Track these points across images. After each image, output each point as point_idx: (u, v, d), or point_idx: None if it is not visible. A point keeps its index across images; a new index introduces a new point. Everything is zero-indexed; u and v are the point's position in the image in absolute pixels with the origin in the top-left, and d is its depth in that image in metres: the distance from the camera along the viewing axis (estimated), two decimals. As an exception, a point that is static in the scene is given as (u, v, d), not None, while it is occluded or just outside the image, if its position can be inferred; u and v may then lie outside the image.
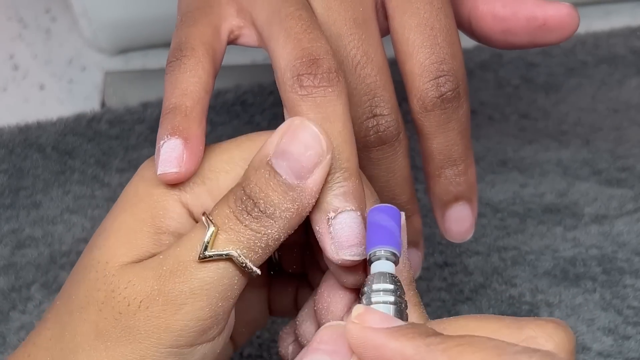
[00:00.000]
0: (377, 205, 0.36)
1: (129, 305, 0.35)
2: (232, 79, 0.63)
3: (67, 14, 0.70)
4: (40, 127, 0.60)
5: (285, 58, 0.37)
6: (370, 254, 0.35)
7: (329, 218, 0.36)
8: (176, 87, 0.38)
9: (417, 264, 0.44)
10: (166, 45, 0.68)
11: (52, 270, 0.54)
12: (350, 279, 0.37)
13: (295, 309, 0.43)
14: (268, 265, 0.42)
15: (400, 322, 0.32)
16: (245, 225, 0.35)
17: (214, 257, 0.35)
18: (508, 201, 0.56)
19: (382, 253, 0.35)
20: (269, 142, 0.36)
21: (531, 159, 0.59)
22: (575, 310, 0.51)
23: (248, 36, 0.41)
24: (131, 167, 0.59)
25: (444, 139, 0.41)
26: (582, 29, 0.67)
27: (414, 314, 0.36)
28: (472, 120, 0.61)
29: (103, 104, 0.65)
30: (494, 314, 0.50)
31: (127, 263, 0.36)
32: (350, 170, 0.36)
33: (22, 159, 0.59)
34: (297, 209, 0.35)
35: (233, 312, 0.37)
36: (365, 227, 0.36)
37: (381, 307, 0.34)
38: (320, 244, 0.36)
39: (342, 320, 0.37)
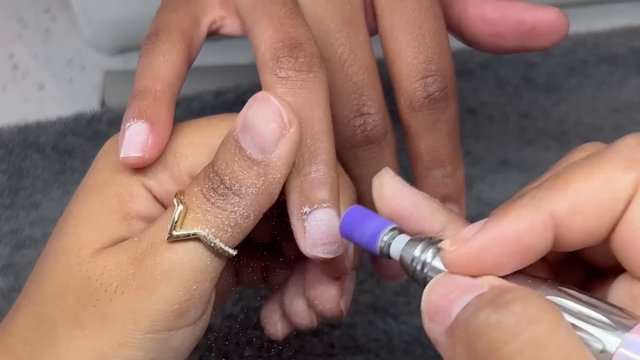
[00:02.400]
0: (343, 216, 0.34)
1: (105, 291, 0.35)
2: (232, 79, 0.63)
3: (66, 14, 0.70)
4: (39, 127, 0.60)
5: (266, 41, 0.37)
6: (379, 247, 0.33)
7: (303, 212, 0.35)
8: (148, 70, 0.38)
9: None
10: (166, 45, 0.68)
11: (51, 271, 0.54)
12: (333, 273, 0.37)
13: (263, 280, 0.43)
14: None
15: (480, 222, 0.31)
16: (212, 204, 0.35)
17: (182, 237, 0.35)
18: (508, 201, 0.56)
19: (386, 238, 0.33)
20: (238, 116, 0.35)
21: (532, 159, 0.59)
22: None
23: (230, 26, 0.41)
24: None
25: (432, 139, 0.41)
26: (583, 29, 0.67)
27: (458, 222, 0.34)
28: (472, 120, 0.61)
29: (103, 104, 0.65)
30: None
31: (100, 249, 0.36)
32: (327, 163, 0.36)
33: (22, 159, 0.59)
34: (263, 185, 0.35)
35: (213, 294, 0.37)
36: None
37: (438, 268, 0.32)
38: (294, 235, 0.36)
39: (338, 307, 0.39)
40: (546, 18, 0.42)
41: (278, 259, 0.42)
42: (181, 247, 0.35)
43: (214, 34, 0.41)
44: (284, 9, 0.37)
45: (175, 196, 0.35)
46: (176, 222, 0.34)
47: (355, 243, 0.34)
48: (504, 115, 0.62)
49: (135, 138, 0.36)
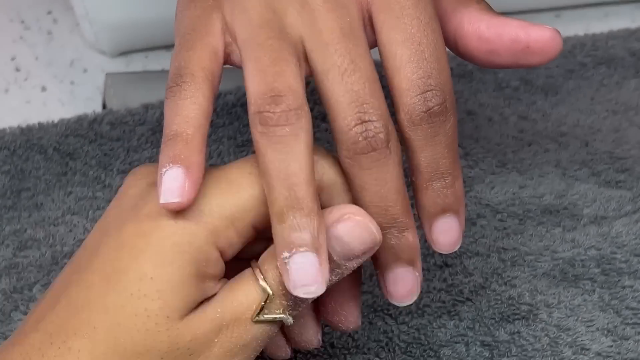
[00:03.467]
0: None
1: (191, 355, 0.38)
2: (233, 81, 0.63)
3: (68, 16, 0.71)
4: (41, 128, 0.60)
5: (250, 92, 0.39)
6: None
7: (284, 257, 0.38)
8: (177, 114, 0.39)
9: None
10: (167, 47, 0.69)
11: (54, 272, 0.54)
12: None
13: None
14: None
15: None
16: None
17: (269, 320, 0.39)
18: (507, 202, 0.57)
19: None
20: (332, 217, 0.39)
21: (530, 160, 0.59)
22: (574, 311, 0.51)
23: (234, 54, 0.42)
24: (132, 169, 0.59)
25: (432, 152, 0.41)
26: (581, 31, 0.67)
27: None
28: (471, 122, 0.62)
29: (104, 106, 0.65)
30: (493, 314, 0.51)
31: (184, 315, 0.38)
32: (307, 209, 0.38)
33: (24, 160, 0.59)
34: (338, 280, 0.40)
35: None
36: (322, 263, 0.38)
37: None
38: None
39: (358, 321, 0.44)
40: (540, 37, 0.43)
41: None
42: (264, 325, 0.39)
43: (226, 63, 0.43)
44: (268, 54, 0.39)
45: (256, 268, 0.39)
46: (263, 306, 0.39)
47: None
48: (502, 117, 0.62)
49: (173, 184, 0.38)
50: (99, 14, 0.66)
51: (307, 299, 0.39)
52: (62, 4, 0.71)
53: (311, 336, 0.43)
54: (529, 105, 0.63)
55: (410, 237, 0.42)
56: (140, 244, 0.38)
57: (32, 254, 0.55)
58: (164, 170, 0.38)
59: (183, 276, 0.38)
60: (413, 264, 0.42)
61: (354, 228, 0.39)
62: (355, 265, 0.40)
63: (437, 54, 0.41)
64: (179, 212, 0.38)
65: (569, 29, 0.68)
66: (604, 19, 0.69)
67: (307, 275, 0.38)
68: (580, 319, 0.50)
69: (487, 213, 0.56)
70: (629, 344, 0.49)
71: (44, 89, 0.67)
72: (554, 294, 0.52)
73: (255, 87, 0.39)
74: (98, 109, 0.64)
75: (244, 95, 0.62)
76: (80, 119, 0.61)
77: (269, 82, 0.38)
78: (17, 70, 0.68)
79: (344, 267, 0.39)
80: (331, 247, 0.39)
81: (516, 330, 0.50)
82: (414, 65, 0.40)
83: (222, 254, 0.39)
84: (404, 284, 0.42)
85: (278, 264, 0.38)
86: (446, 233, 0.43)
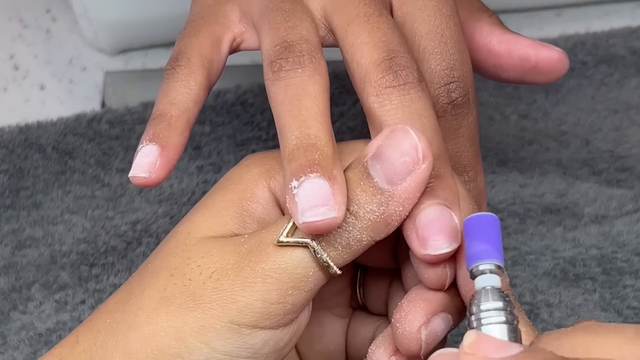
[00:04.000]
0: (473, 215, 0.34)
1: (200, 273, 0.36)
2: (232, 79, 0.63)
3: (67, 14, 0.70)
4: (40, 127, 0.60)
5: (264, 49, 0.38)
6: (472, 269, 0.33)
7: (292, 187, 0.35)
8: (165, 95, 0.40)
9: (451, 229, 0.41)
10: (166, 45, 0.68)
11: (52, 271, 0.54)
12: (431, 274, 0.36)
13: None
14: (351, 301, 0.42)
15: (517, 348, 0.30)
16: None
17: (291, 243, 0.35)
18: (508, 201, 0.56)
19: (486, 267, 0.33)
20: (370, 143, 0.36)
21: (531, 159, 0.59)
22: (575, 311, 0.51)
23: (250, 40, 0.42)
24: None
25: (454, 145, 0.41)
26: (582, 30, 0.67)
27: (522, 328, 0.33)
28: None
29: (103, 104, 0.65)
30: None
31: (209, 236, 0.37)
32: (320, 146, 0.35)
33: (23, 159, 0.59)
34: (382, 214, 0.35)
35: (305, 312, 0.37)
36: (337, 191, 0.34)
37: (493, 329, 0.32)
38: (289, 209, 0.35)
39: (418, 333, 0.36)
40: (549, 57, 0.43)
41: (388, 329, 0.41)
42: (288, 252, 0.35)
43: (236, 51, 0.42)
44: (280, 14, 0.38)
45: None
46: (289, 229, 0.35)
47: (464, 240, 0.34)
48: (503, 116, 0.62)
49: (144, 159, 0.38)
50: (98, 13, 0.66)
51: (347, 237, 0.35)
52: (61, 3, 0.71)
53: (412, 327, 0.37)
54: (529, 104, 0.63)
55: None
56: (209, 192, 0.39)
57: (30, 253, 0.54)
58: (140, 146, 0.39)
59: (222, 202, 0.37)
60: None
61: (392, 137, 0.35)
62: (401, 193, 0.34)
63: (459, 46, 0.40)
64: None
65: (569, 28, 0.68)
66: (605, 17, 0.69)
67: (315, 197, 0.34)
68: (581, 318, 0.50)
69: (487, 212, 0.56)
70: (630, 343, 0.49)
71: (42, 87, 0.67)
72: (554, 293, 0.51)
73: (268, 42, 0.38)
74: (97, 107, 0.64)
75: (244, 93, 0.62)
76: (79, 118, 0.61)
77: (281, 35, 0.37)
78: (16, 68, 0.68)
79: (387, 194, 0.35)
80: (372, 167, 0.35)
81: (517, 329, 0.50)
82: (437, 57, 0.40)
83: (278, 200, 0.38)
84: (439, 225, 0.35)
85: (287, 197, 0.35)
86: None
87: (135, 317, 0.36)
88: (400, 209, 0.35)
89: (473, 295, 0.33)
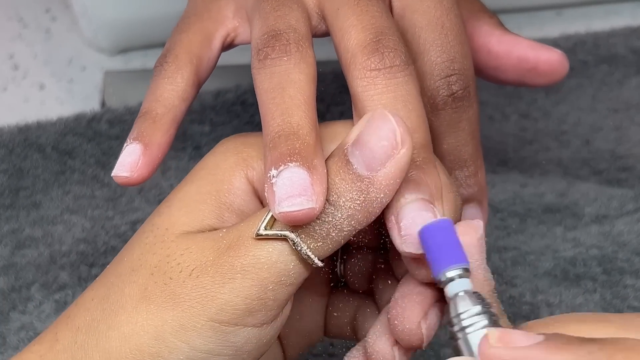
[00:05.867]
0: (427, 224, 0.34)
1: (180, 272, 0.35)
2: (232, 79, 0.63)
3: (67, 14, 0.70)
4: (40, 127, 0.60)
5: (253, 37, 0.38)
6: (439, 278, 0.33)
7: (271, 176, 0.34)
8: (152, 93, 0.40)
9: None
10: (166, 45, 0.68)
11: (52, 271, 0.53)
12: (422, 271, 0.35)
13: (352, 330, 0.42)
14: (331, 277, 0.41)
15: (540, 337, 0.30)
16: None
17: (270, 236, 0.34)
18: (508, 201, 0.56)
19: (453, 273, 0.33)
20: (351, 131, 0.35)
21: (531, 159, 0.59)
22: (575, 310, 0.51)
23: (243, 34, 0.41)
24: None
25: (455, 139, 0.40)
26: (582, 29, 0.67)
27: (502, 325, 0.34)
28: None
29: (103, 104, 0.65)
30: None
31: (187, 232, 0.36)
32: (302, 135, 0.34)
33: (22, 159, 0.59)
34: (363, 202, 0.34)
35: (288, 307, 0.36)
36: (315, 182, 0.34)
37: (479, 335, 0.32)
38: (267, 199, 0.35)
39: (418, 329, 0.36)
40: (549, 59, 0.43)
41: (369, 310, 0.41)
42: (267, 245, 0.35)
43: (230, 47, 0.42)
44: (270, 3, 0.38)
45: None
46: (267, 221, 0.34)
47: (424, 252, 0.33)
48: (503, 116, 0.62)
49: (126, 158, 0.39)
50: (97, 12, 0.66)
51: (327, 228, 0.34)
52: (60, 2, 0.71)
53: (383, 346, 0.38)
54: (530, 104, 0.62)
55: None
56: (189, 172, 0.39)
57: (30, 253, 0.54)
58: (125, 144, 0.39)
59: (198, 194, 0.37)
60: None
61: (371, 122, 0.34)
62: (381, 179, 0.34)
63: (460, 38, 0.40)
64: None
65: (570, 27, 0.68)
66: (605, 17, 0.69)
67: (293, 186, 0.33)
68: (581, 318, 0.50)
69: (488, 212, 0.56)
70: (631, 343, 0.49)
71: (42, 87, 0.67)
72: (555, 293, 0.51)
73: (256, 31, 0.38)
74: (96, 107, 0.64)
75: (244, 93, 0.62)
76: (78, 117, 0.61)
77: (270, 24, 0.37)
78: (15, 68, 0.68)
79: (367, 181, 0.34)
80: (352, 154, 0.34)
81: (517, 329, 0.50)
82: (437, 49, 0.39)
83: (256, 190, 0.37)
84: (420, 222, 0.34)
85: (265, 186, 0.34)
86: None
87: (116, 315, 0.35)
88: (382, 195, 0.34)
89: (449, 304, 0.33)
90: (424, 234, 0.33)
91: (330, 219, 0.34)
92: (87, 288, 0.38)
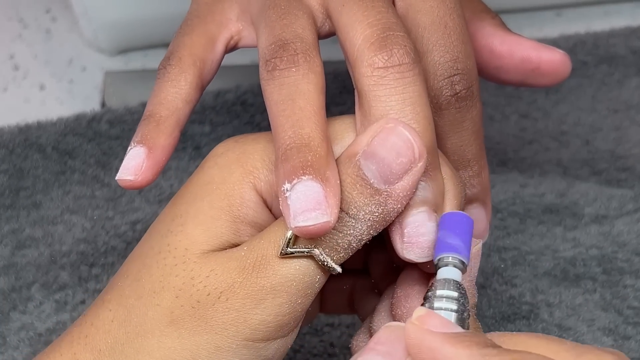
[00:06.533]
0: (449, 212, 0.35)
1: (208, 294, 0.35)
2: (232, 79, 0.63)
3: (67, 14, 0.70)
4: (40, 127, 0.60)
5: (260, 47, 0.37)
6: (437, 259, 0.34)
7: (284, 189, 0.34)
8: (155, 96, 0.40)
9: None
10: (166, 45, 0.68)
11: (52, 271, 0.53)
12: (427, 266, 0.36)
13: (348, 306, 0.43)
14: None
15: (460, 330, 0.31)
16: None
17: (295, 254, 0.35)
18: (508, 201, 0.56)
19: (450, 260, 0.34)
20: (358, 140, 0.35)
21: (531, 159, 0.59)
22: (575, 311, 0.51)
23: (247, 37, 0.41)
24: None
25: (458, 139, 0.40)
26: (582, 29, 0.67)
27: (468, 324, 0.35)
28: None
29: (103, 104, 0.65)
30: (494, 314, 0.51)
31: (207, 251, 0.36)
32: (314, 146, 0.35)
33: (23, 159, 0.59)
34: (382, 213, 0.35)
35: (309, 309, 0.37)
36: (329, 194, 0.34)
37: (442, 314, 0.33)
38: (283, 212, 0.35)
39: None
40: (551, 59, 0.43)
41: (367, 285, 0.42)
42: (293, 263, 0.35)
43: (233, 49, 0.42)
44: (276, 11, 0.38)
45: None
46: (290, 239, 0.35)
47: (438, 230, 0.35)
48: (503, 116, 0.62)
49: (130, 162, 0.38)
50: (98, 13, 0.66)
51: (348, 240, 0.35)
52: (60, 3, 0.71)
53: None
54: (529, 104, 0.62)
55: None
56: (181, 190, 0.38)
57: (30, 253, 0.54)
58: (129, 148, 0.39)
59: (212, 210, 0.37)
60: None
61: (385, 137, 0.34)
62: (399, 192, 0.34)
63: (463, 38, 0.40)
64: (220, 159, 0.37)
65: (570, 27, 0.68)
66: (605, 17, 0.69)
67: (307, 200, 0.33)
68: (581, 318, 0.50)
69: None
70: (631, 343, 0.49)
71: (42, 87, 0.67)
72: (555, 293, 0.51)
73: (263, 41, 0.37)
74: (97, 107, 0.64)
75: (244, 93, 0.62)
76: (79, 118, 0.61)
77: (276, 34, 0.37)
78: (16, 68, 0.68)
79: (385, 194, 0.34)
80: (366, 168, 0.34)
81: (517, 329, 0.50)
82: (441, 49, 0.39)
83: (265, 200, 0.37)
84: (424, 234, 0.35)
85: (280, 200, 0.34)
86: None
87: (144, 339, 0.35)
88: (399, 206, 0.35)
89: (432, 283, 0.34)
90: (446, 218, 0.35)
91: (351, 231, 0.35)
92: (99, 304, 0.37)
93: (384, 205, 0.35)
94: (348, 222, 0.35)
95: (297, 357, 0.49)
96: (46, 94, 0.67)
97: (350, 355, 0.49)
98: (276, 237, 0.35)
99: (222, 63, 0.42)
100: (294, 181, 0.34)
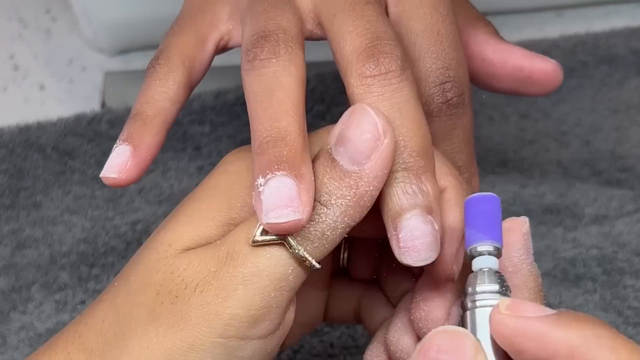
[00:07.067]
0: (474, 195, 0.34)
1: (185, 288, 0.35)
2: (232, 79, 0.63)
3: (67, 14, 0.70)
4: (40, 127, 0.60)
5: (243, 38, 0.37)
6: (470, 250, 0.33)
7: (258, 184, 0.34)
8: (143, 94, 0.40)
9: (431, 237, 0.41)
10: (166, 45, 0.68)
11: (52, 271, 0.53)
12: (439, 272, 0.36)
13: (354, 317, 0.42)
14: (333, 268, 0.42)
15: (552, 311, 0.31)
16: None
17: (266, 242, 0.34)
18: (508, 202, 0.56)
19: (484, 248, 0.33)
20: (332, 130, 0.35)
21: (531, 160, 0.59)
22: (575, 311, 0.50)
23: (237, 37, 0.41)
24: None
25: (449, 146, 0.40)
26: (582, 30, 0.67)
27: None
28: (472, 121, 0.61)
29: (103, 104, 0.65)
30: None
31: (190, 247, 0.36)
32: (290, 140, 0.34)
33: (23, 159, 0.59)
34: (354, 197, 0.34)
35: (291, 312, 0.36)
36: (304, 190, 0.34)
37: (487, 312, 0.32)
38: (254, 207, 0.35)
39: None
40: (543, 68, 0.43)
41: (376, 296, 0.41)
42: (264, 252, 0.34)
43: (224, 50, 0.42)
44: (262, 6, 0.38)
45: None
46: (262, 227, 0.34)
47: (464, 220, 0.34)
48: (503, 116, 0.62)
49: (115, 160, 0.39)
50: (97, 12, 0.66)
51: (321, 229, 0.34)
52: (60, 3, 0.71)
53: (407, 344, 0.38)
54: (529, 104, 0.62)
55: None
56: (189, 194, 0.38)
57: (30, 254, 0.54)
58: (114, 146, 0.39)
59: (208, 212, 0.36)
60: (430, 212, 0.41)
61: (350, 118, 0.34)
62: (368, 172, 0.34)
63: (455, 45, 0.40)
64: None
65: (570, 28, 0.68)
66: (605, 17, 0.69)
67: (280, 197, 0.33)
68: (581, 318, 0.50)
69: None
70: (631, 344, 0.49)
71: (42, 87, 0.67)
72: (555, 293, 0.51)
73: (247, 32, 0.37)
74: (97, 107, 0.64)
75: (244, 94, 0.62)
76: (79, 118, 0.61)
77: (260, 25, 0.37)
78: (16, 68, 0.68)
79: (355, 175, 0.34)
80: (336, 152, 0.34)
81: (517, 330, 0.50)
82: (433, 56, 0.39)
83: None
84: (419, 238, 0.35)
85: (253, 194, 0.34)
86: None
87: (128, 339, 0.35)
88: (371, 188, 0.34)
89: (469, 277, 0.33)
90: (468, 204, 0.34)
91: (324, 219, 0.34)
92: (95, 304, 0.37)
93: (355, 188, 0.34)
94: (320, 210, 0.34)
95: (297, 357, 0.49)
96: (46, 94, 0.67)
97: (350, 356, 0.49)
98: (249, 227, 0.35)
99: (222, 63, 0.43)
100: (268, 176, 0.34)
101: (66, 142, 0.60)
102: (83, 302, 0.52)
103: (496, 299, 0.32)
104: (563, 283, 0.52)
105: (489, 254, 0.33)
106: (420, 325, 0.36)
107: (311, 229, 0.34)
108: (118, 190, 0.58)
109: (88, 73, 0.68)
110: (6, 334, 0.51)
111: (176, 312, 0.35)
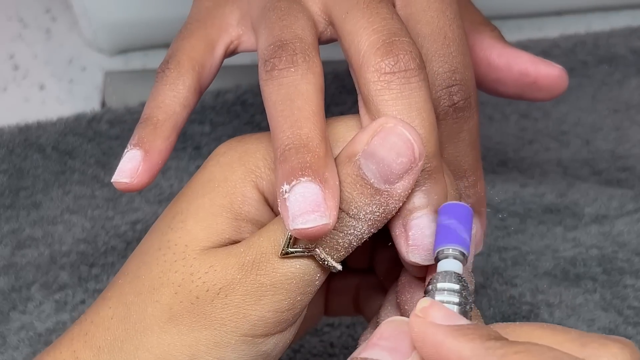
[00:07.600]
0: (447, 203, 0.35)
1: (207, 290, 0.35)
2: (232, 79, 0.63)
3: (67, 14, 0.70)
4: (40, 127, 0.60)
5: (259, 48, 0.37)
6: (437, 252, 0.34)
7: (283, 191, 0.34)
8: (153, 99, 0.40)
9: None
10: (167, 45, 0.68)
11: (52, 271, 0.53)
12: (420, 272, 0.37)
13: (353, 308, 0.43)
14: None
15: (464, 321, 0.31)
16: None
17: (297, 255, 0.35)
18: (508, 201, 0.56)
19: (450, 252, 0.34)
20: (357, 140, 0.35)
21: (531, 159, 0.59)
22: (575, 311, 0.51)
23: (247, 42, 0.41)
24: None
25: (454, 149, 0.40)
26: (583, 29, 0.67)
27: (470, 316, 0.35)
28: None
29: (103, 104, 0.65)
30: (494, 314, 0.50)
31: (207, 248, 0.36)
32: (312, 147, 0.34)
33: (22, 159, 0.59)
34: (382, 213, 0.35)
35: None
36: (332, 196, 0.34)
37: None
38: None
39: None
40: (549, 74, 0.43)
41: (372, 284, 0.42)
42: (294, 262, 0.35)
43: (233, 54, 0.42)
44: (276, 13, 0.38)
45: None
46: (290, 239, 0.35)
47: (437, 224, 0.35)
48: (503, 116, 0.62)
49: (127, 164, 0.39)
50: (97, 12, 0.66)
51: (349, 239, 0.35)
52: (60, 2, 0.71)
53: None
54: (529, 104, 0.62)
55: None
56: (183, 189, 0.38)
57: (30, 253, 0.54)
58: (125, 150, 0.39)
59: (213, 207, 0.37)
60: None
61: (385, 137, 0.34)
62: (400, 192, 0.35)
63: (462, 49, 0.40)
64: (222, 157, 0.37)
65: (570, 27, 0.68)
66: (605, 17, 0.69)
67: (306, 202, 0.33)
68: (581, 318, 0.50)
69: (488, 212, 0.56)
70: (631, 343, 0.49)
71: (42, 87, 0.67)
72: (555, 293, 0.51)
73: (263, 42, 0.37)
74: (97, 107, 0.64)
75: (244, 93, 0.62)
76: (78, 118, 0.61)
77: (276, 34, 0.37)
78: (16, 68, 0.68)
79: (386, 194, 0.34)
80: (367, 168, 0.34)
81: (517, 329, 0.50)
82: (440, 59, 0.39)
83: (267, 199, 0.37)
84: (429, 237, 0.35)
85: (278, 201, 0.34)
86: None
87: (143, 336, 0.35)
88: (399, 204, 0.35)
89: (433, 275, 0.34)
90: (444, 209, 0.35)
91: (352, 231, 0.35)
92: (100, 302, 0.38)
93: (385, 205, 0.35)
94: (349, 222, 0.35)
95: (297, 357, 0.49)
96: (46, 93, 0.67)
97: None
98: (275, 235, 0.35)
99: (223, 63, 0.42)
100: (293, 183, 0.34)
101: (66, 142, 0.60)
102: (83, 302, 0.52)
103: (455, 299, 0.33)
104: (563, 282, 0.52)
105: (455, 257, 0.34)
106: (407, 307, 0.37)
107: (339, 240, 0.35)
108: (118, 190, 0.58)
109: (88, 73, 0.68)
110: (6, 334, 0.51)
111: (198, 313, 0.35)
